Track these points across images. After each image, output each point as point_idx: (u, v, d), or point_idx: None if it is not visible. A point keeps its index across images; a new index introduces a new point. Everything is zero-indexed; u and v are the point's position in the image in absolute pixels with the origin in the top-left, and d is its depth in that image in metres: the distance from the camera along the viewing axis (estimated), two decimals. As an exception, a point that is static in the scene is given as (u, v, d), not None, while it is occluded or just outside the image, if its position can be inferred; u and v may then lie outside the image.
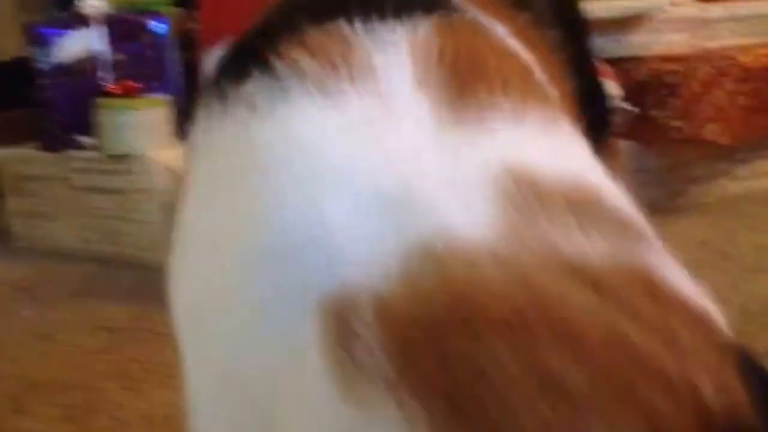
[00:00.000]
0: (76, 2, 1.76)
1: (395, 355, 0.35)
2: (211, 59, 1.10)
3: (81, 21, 1.75)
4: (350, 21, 0.47)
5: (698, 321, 0.36)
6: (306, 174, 0.41)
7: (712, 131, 1.70)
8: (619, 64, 1.76)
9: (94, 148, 1.70)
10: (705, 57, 1.71)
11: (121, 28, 1.75)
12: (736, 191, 1.82)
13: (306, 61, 0.45)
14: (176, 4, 1.83)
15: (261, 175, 0.42)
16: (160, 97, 1.69)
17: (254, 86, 0.45)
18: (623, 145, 1.74)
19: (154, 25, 1.75)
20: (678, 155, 1.79)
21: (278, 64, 0.45)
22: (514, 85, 0.47)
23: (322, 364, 0.36)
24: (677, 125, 1.73)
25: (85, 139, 1.73)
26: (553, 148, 0.44)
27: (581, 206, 0.39)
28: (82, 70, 1.75)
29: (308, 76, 0.44)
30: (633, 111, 1.68)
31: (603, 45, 1.76)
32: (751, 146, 1.83)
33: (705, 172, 1.81)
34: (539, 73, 0.50)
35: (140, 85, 1.70)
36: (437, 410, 0.34)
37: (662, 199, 1.76)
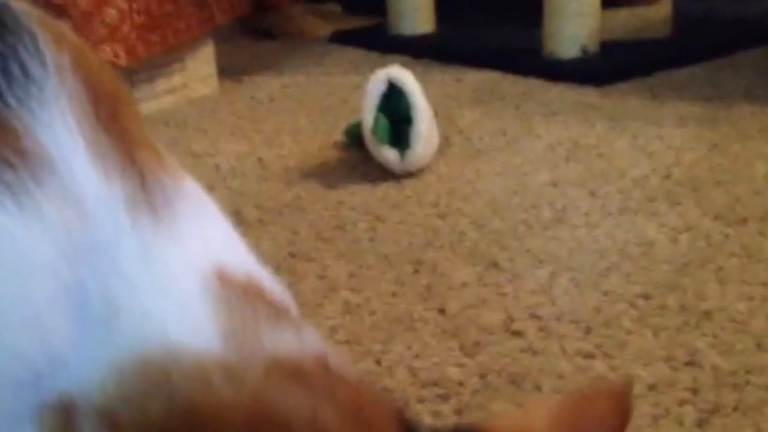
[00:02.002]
0: None
1: None
2: None
3: None
4: None
5: (371, 393, 0.42)
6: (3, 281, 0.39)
7: (107, 52, 1.64)
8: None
9: None
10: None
11: None
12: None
13: None
14: None
15: None
16: None
17: None
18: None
19: None
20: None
21: None
22: (142, 135, 0.48)
23: None
24: (71, 50, 1.63)
25: None
26: (212, 228, 0.47)
27: (264, 300, 0.43)
28: None
29: None
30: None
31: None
32: (149, 66, 1.81)
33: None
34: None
35: None
36: None
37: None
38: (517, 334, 0.94)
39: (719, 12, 2.21)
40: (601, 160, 1.40)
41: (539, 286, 1.03)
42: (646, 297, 0.99)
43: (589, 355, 0.90)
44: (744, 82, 1.71)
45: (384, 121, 1.36)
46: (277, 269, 1.09)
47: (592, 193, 1.28)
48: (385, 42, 2.15)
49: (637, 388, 0.84)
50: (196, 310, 0.39)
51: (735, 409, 0.80)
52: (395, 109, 1.37)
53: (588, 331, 0.93)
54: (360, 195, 1.32)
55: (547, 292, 1.01)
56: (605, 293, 1.00)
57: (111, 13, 1.63)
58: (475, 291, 1.03)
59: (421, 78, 1.44)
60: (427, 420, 0.87)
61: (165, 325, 0.38)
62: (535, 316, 0.97)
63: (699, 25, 2.10)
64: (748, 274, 1.02)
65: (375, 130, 1.35)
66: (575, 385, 0.85)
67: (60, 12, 1.60)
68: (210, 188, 1.35)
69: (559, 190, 1.30)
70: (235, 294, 0.41)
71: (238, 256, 0.46)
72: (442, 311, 0.99)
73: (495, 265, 1.08)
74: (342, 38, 2.27)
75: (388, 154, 1.36)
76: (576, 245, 1.12)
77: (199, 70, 1.93)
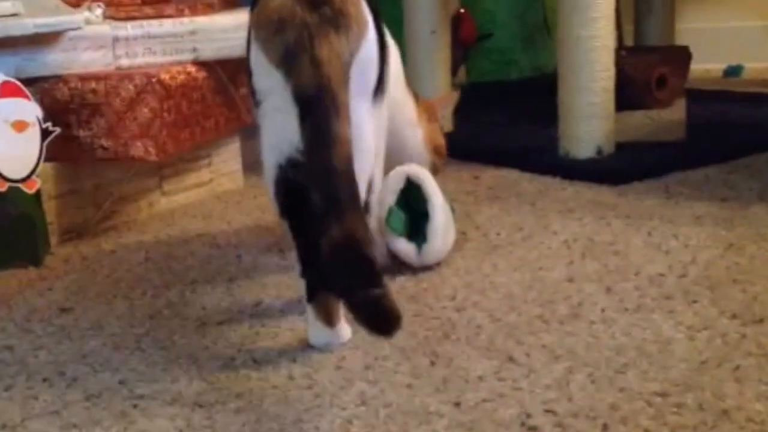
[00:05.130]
0: None
1: None
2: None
3: None
4: None
5: None
6: None
7: (139, 148, 1.66)
8: (38, 83, 1.62)
9: None
10: (126, 75, 1.65)
11: None
12: (166, 206, 1.81)
13: None
14: None
15: None
16: None
17: None
18: (50, 166, 1.61)
19: None
20: (106, 174, 1.72)
21: None
22: None
23: None
24: (104, 144, 1.65)
25: None
26: None
27: None
28: None
29: None
30: (56, 131, 1.56)
31: (19, 64, 1.60)
32: (178, 161, 1.84)
33: (134, 189, 1.77)
34: None
35: None
36: None
37: (94, 221, 1.67)
38: (533, 429, 0.91)
39: (732, 115, 2.21)
40: (617, 257, 1.38)
41: (555, 381, 1.00)
42: (663, 395, 0.96)
43: (605, 453, 0.86)
44: (758, 184, 1.70)
45: (401, 215, 1.36)
46: (295, 359, 1.07)
47: (608, 290, 1.25)
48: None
49: (655, 488, 0.80)
50: None
51: None
52: (413, 205, 1.37)
53: (605, 428, 0.90)
54: (378, 288, 1.30)
55: (563, 388, 0.98)
56: (622, 390, 0.97)
57: (144, 112, 1.65)
58: (490, 385, 1.00)
59: (440, 175, 1.45)
60: None
61: None
62: (551, 412, 0.94)
63: (712, 128, 2.10)
64: (766, 373, 0.99)
65: (388, 221, 1.35)
66: (592, 483, 0.82)
67: (95, 111, 1.63)
68: (232, 279, 1.36)
69: (576, 285, 1.28)
70: None
71: None
72: (457, 404, 0.96)
73: (511, 359, 1.06)
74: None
75: (406, 248, 1.35)
76: (593, 341, 1.10)
77: (225, 166, 1.95)
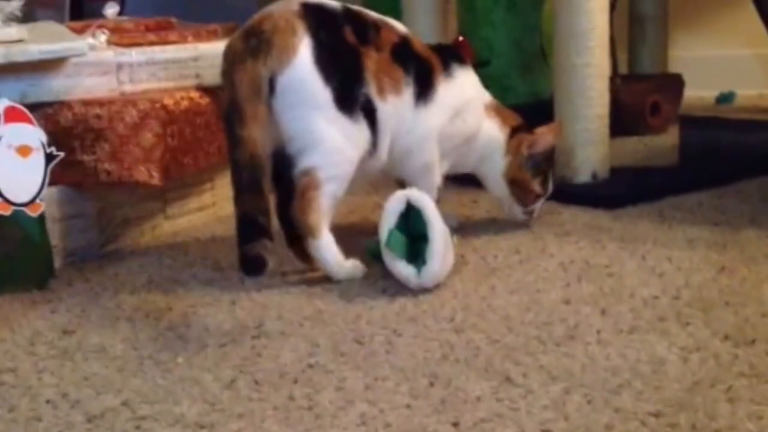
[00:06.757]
0: None
1: None
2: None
3: None
4: None
5: None
6: None
7: (142, 173, 1.67)
8: (42, 109, 1.64)
9: None
10: (130, 101, 1.67)
11: None
12: (170, 229, 1.82)
13: None
14: None
15: None
16: None
17: None
18: (54, 190, 1.62)
19: None
20: (109, 198, 1.73)
21: None
22: None
23: None
24: (108, 168, 1.66)
25: None
26: None
27: None
28: None
29: None
30: (60, 156, 1.57)
31: (23, 90, 1.62)
32: (181, 185, 1.85)
33: (137, 213, 1.78)
34: None
35: None
36: None
37: (98, 244, 1.68)
38: (530, 448, 0.92)
39: (724, 141, 2.23)
40: (612, 280, 1.39)
41: (552, 401, 1.01)
42: (657, 415, 0.97)
43: (601, 472, 0.87)
44: (750, 209, 1.72)
45: (401, 238, 1.37)
46: (296, 380, 1.08)
47: (603, 312, 1.27)
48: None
49: (650, 506, 0.81)
50: None
51: None
52: (413, 228, 1.38)
53: (600, 447, 0.91)
54: (378, 309, 1.32)
55: (559, 408, 0.99)
56: (617, 410, 0.98)
57: (147, 137, 1.67)
58: (488, 405, 1.01)
59: (440, 203, 1.46)
60: None
61: None
62: (548, 432, 0.95)
63: (705, 153, 2.12)
64: (758, 393, 1.00)
65: (388, 243, 1.36)
66: (588, 501, 0.83)
67: (98, 136, 1.64)
68: (234, 301, 1.37)
69: (572, 307, 1.29)
70: None
71: None
72: (456, 425, 0.97)
73: (509, 380, 1.07)
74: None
75: (406, 271, 1.36)
76: (588, 362, 1.11)
77: (227, 190, 1.95)
